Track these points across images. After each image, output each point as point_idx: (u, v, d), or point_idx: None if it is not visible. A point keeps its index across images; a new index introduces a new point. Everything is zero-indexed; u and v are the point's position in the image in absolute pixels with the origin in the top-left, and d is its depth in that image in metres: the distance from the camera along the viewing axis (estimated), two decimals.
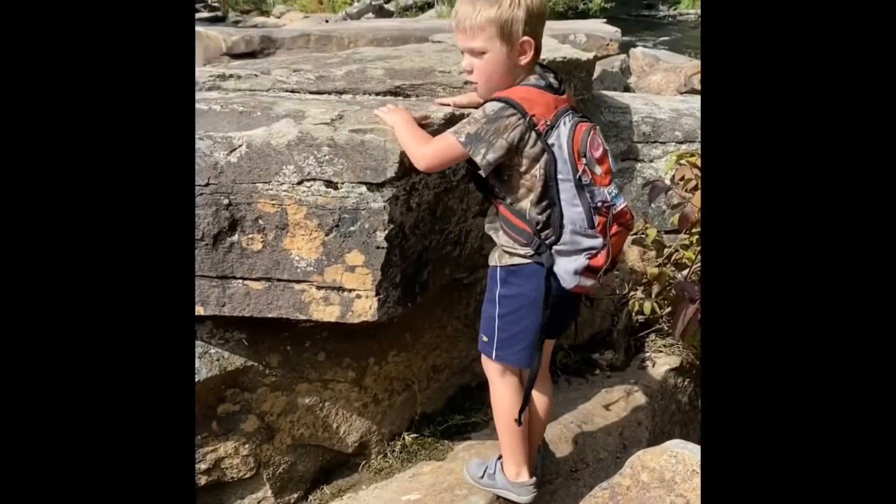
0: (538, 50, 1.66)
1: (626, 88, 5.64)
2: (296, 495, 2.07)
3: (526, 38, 1.61)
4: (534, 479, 1.89)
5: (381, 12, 11.40)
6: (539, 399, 1.92)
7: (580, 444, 2.18)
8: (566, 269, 1.64)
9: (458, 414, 2.33)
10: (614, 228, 1.63)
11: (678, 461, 1.81)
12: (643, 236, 2.57)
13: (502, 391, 1.83)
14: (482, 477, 1.95)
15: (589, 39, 5.63)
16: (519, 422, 1.81)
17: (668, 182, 2.37)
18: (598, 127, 1.67)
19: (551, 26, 5.97)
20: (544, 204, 1.64)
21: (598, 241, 1.62)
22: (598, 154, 1.62)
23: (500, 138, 1.58)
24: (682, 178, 2.33)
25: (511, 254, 1.71)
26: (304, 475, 2.09)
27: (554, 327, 1.80)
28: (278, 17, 14.09)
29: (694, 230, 2.34)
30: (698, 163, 2.33)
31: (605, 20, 7.39)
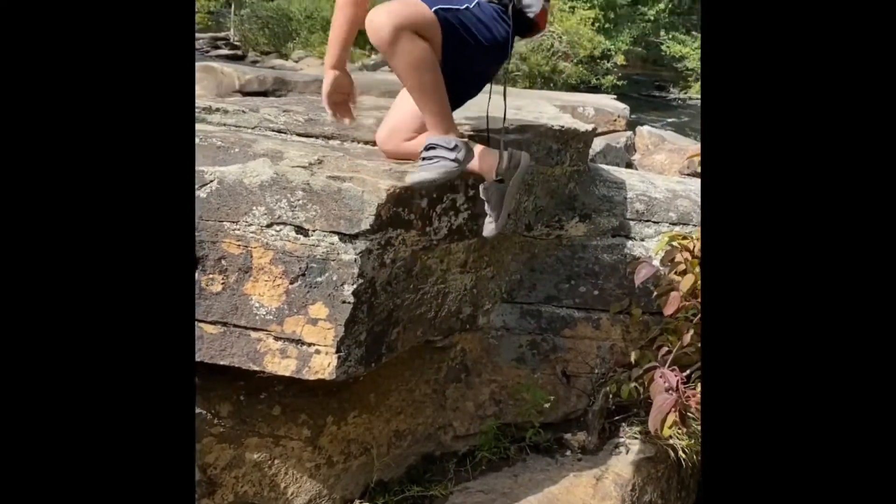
0: None
1: (629, 165, 5.62)
2: None
3: None
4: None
5: None
6: None
7: None
8: None
9: (417, 485, 2.20)
10: None
11: None
12: (627, 315, 2.47)
13: (411, 49, 1.63)
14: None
15: (597, 113, 5.66)
16: None
17: (656, 263, 2.29)
18: None
19: (561, 97, 6.02)
20: None
21: None
22: None
23: None
24: (671, 261, 2.25)
25: None
26: None
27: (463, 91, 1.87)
28: (296, 62, 14.32)
29: (678, 315, 2.24)
30: (690, 246, 2.25)
31: (615, 97, 7.45)
